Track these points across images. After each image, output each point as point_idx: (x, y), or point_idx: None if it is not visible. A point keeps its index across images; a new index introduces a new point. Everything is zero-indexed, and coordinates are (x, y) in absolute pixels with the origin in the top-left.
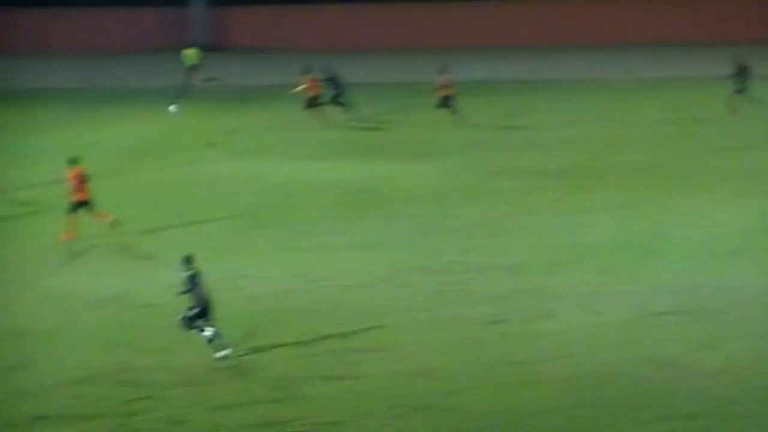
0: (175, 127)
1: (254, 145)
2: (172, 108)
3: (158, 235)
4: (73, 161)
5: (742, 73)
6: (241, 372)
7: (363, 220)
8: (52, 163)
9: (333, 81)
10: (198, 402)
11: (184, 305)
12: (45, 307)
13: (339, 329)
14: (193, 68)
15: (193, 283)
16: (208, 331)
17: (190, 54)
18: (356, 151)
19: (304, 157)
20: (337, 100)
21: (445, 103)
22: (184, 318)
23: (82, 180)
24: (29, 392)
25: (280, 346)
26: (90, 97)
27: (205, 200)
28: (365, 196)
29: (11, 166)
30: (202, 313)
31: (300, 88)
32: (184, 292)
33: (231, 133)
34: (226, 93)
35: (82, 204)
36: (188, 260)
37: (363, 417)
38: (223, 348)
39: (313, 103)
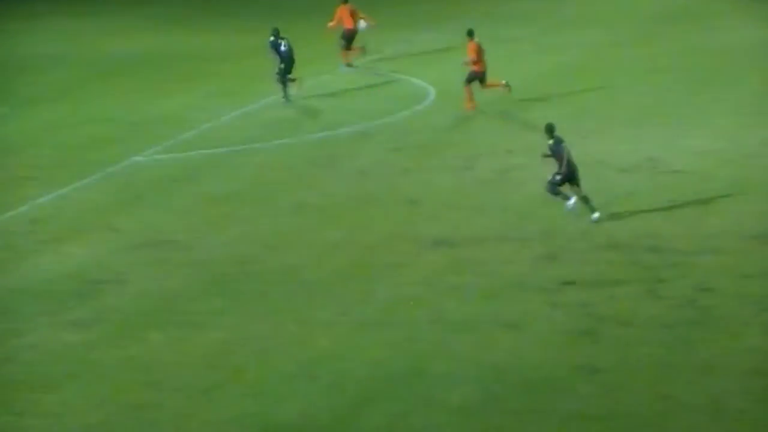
0: None
1: None
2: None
3: (679, 103)
4: (470, 33)
5: None
6: None
7: None
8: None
9: None
10: (727, 270)
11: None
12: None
13: None
14: None
15: (556, 150)
16: (572, 199)
17: None
18: None
19: None
20: None
21: None
22: (549, 183)
23: (479, 53)
24: (558, 256)
25: None
26: None
27: (721, 67)
28: None
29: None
30: (567, 179)
31: None
32: (549, 156)
33: None
34: None
35: (478, 76)
36: (551, 128)
37: None
38: (593, 211)
39: None
